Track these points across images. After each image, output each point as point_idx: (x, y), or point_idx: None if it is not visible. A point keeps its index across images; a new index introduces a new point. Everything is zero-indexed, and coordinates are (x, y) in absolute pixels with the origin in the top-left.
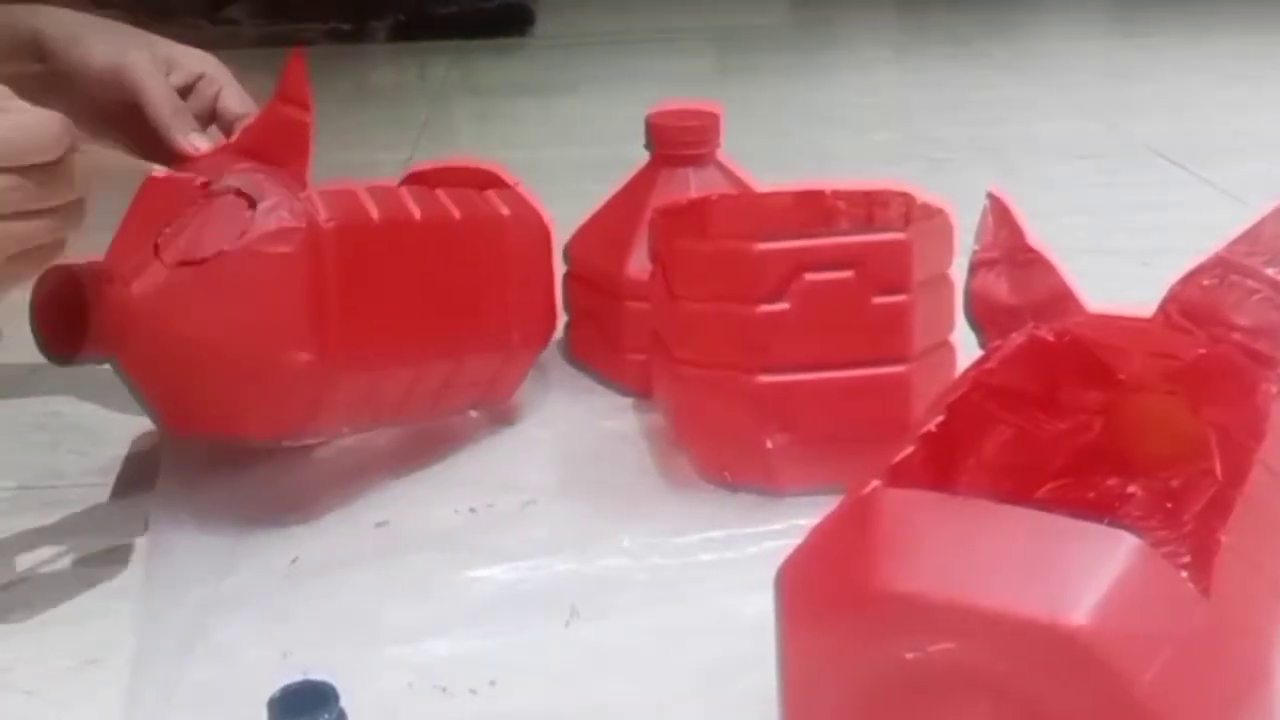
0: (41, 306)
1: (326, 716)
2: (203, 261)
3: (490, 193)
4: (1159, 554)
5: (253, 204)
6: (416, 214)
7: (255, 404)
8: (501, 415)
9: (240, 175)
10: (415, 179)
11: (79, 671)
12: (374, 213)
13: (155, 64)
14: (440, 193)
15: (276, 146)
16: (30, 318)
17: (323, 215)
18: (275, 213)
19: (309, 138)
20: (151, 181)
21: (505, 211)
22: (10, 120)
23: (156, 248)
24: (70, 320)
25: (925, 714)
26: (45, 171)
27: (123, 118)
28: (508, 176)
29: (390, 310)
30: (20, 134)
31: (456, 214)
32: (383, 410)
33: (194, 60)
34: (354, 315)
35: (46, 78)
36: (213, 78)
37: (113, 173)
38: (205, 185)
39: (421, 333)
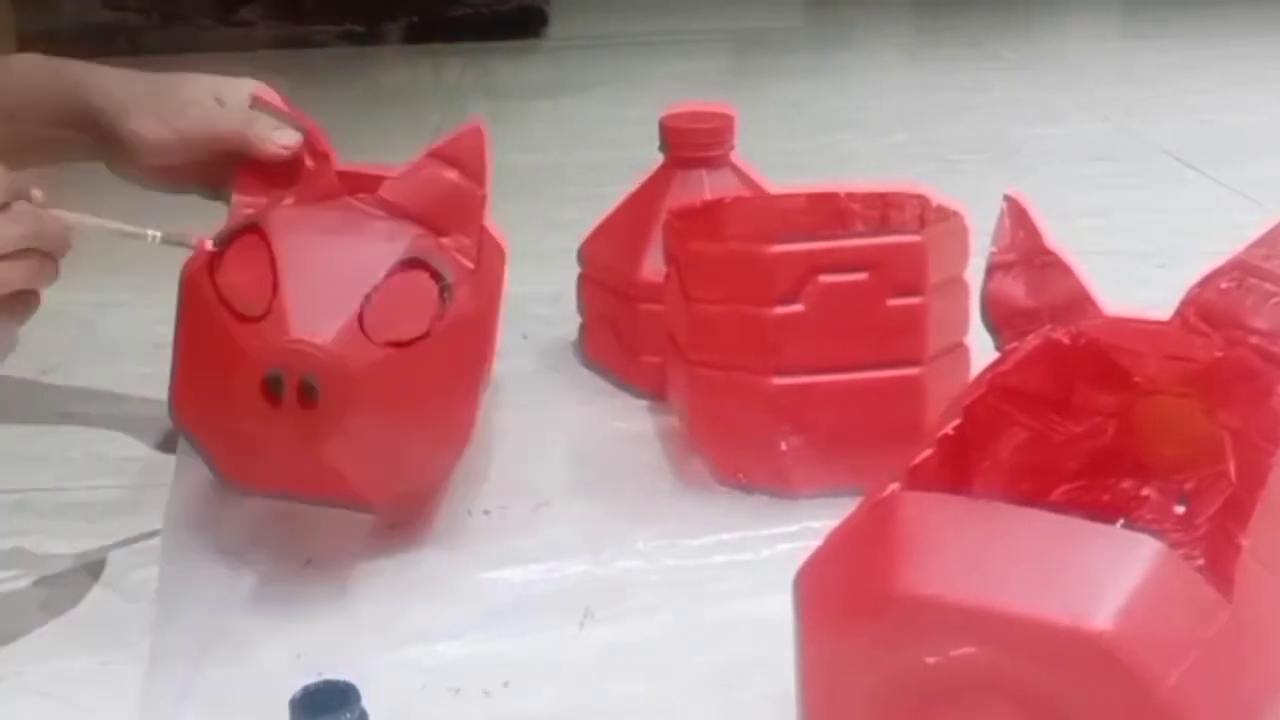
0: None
1: (348, 716)
2: (409, 344)
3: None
4: (1180, 557)
5: (436, 277)
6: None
7: (402, 484)
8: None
9: (424, 247)
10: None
11: (94, 673)
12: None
13: (208, 106)
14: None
15: (443, 215)
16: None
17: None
18: (462, 295)
19: (483, 212)
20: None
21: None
22: None
23: (361, 321)
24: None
25: (946, 719)
26: None
27: (186, 173)
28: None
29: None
30: None
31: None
32: None
33: (241, 88)
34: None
35: (99, 145)
36: (258, 95)
37: (90, 232)
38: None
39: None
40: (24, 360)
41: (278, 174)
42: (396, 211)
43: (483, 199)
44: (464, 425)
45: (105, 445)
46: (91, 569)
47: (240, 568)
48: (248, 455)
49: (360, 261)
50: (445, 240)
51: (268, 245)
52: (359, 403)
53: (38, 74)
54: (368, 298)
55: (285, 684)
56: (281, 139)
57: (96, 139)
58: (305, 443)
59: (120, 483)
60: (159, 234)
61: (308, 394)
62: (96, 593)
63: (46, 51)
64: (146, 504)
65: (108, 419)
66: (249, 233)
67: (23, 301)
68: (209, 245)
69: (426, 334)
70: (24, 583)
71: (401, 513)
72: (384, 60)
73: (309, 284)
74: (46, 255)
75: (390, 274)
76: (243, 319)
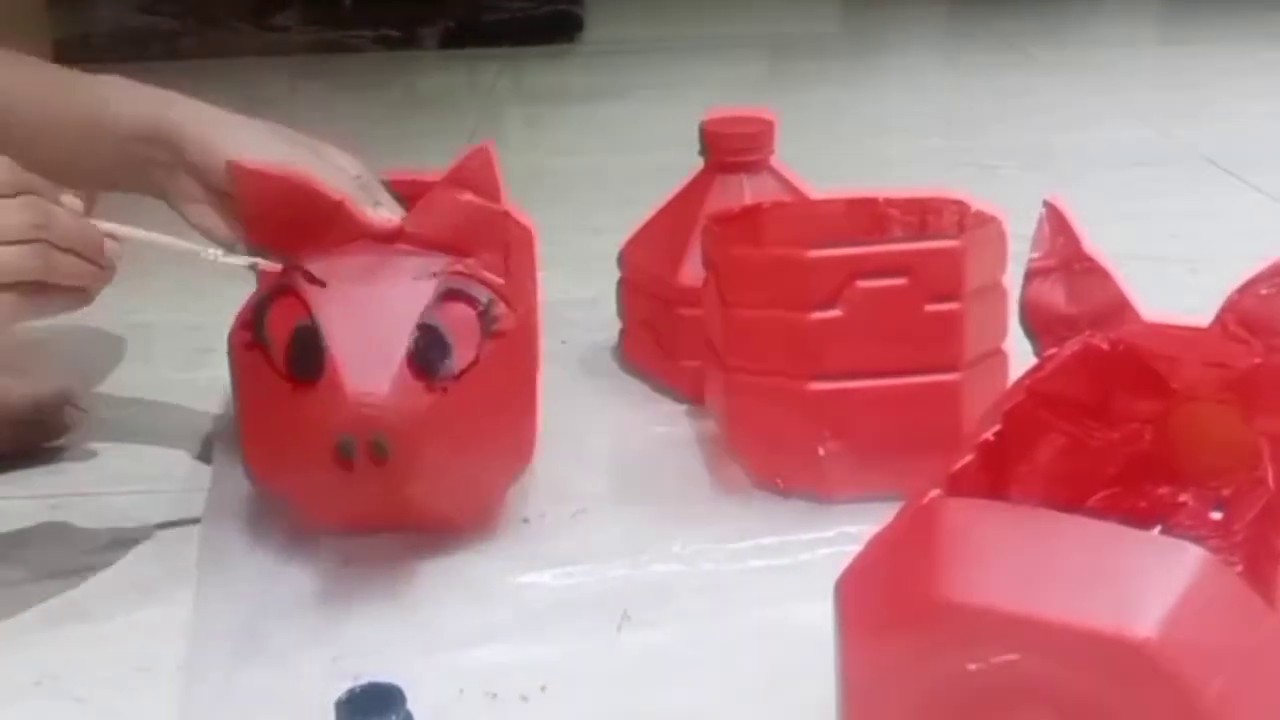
0: None
1: (394, 718)
2: (461, 374)
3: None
4: (1225, 565)
5: (473, 303)
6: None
7: (476, 505)
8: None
9: (455, 274)
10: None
11: (131, 678)
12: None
13: (311, 158)
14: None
15: (467, 237)
16: None
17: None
18: (503, 310)
19: (508, 229)
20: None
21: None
22: None
23: (411, 363)
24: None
25: None
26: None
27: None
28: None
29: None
30: None
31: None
32: None
33: (344, 159)
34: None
35: (180, 169)
36: (366, 181)
37: (140, 245)
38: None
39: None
40: (61, 364)
41: (293, 223)
42: (421, 244)
43: (503, 215)
44: (528, 431)
45: (142, 450)
46: (128, 574)
47: (277, 572)
48: (331, 507)
49: (397, 303)
50: (472, 261)
51: (304, 304)
52: (427, 446)
53: (126, 89)
54: (414, 340)
55: (322, 688)
56: (387, 214)
57: (175, 158)
58: (383, 496)
59: (157, 488)
60: (219, 252)
61: (378, 452)
62: (133, 597)
63: (81, 57)
64: (184, 509)
65: (145, 424)
66: (282, 295)
67: (38, 291)
68: (271, 266)
69: (475, 361)
70: (60, 588)
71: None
72: (420, 65)
73: (353, 337)
74: (63, 250)
75: (428, 310)
76: (298, 384)
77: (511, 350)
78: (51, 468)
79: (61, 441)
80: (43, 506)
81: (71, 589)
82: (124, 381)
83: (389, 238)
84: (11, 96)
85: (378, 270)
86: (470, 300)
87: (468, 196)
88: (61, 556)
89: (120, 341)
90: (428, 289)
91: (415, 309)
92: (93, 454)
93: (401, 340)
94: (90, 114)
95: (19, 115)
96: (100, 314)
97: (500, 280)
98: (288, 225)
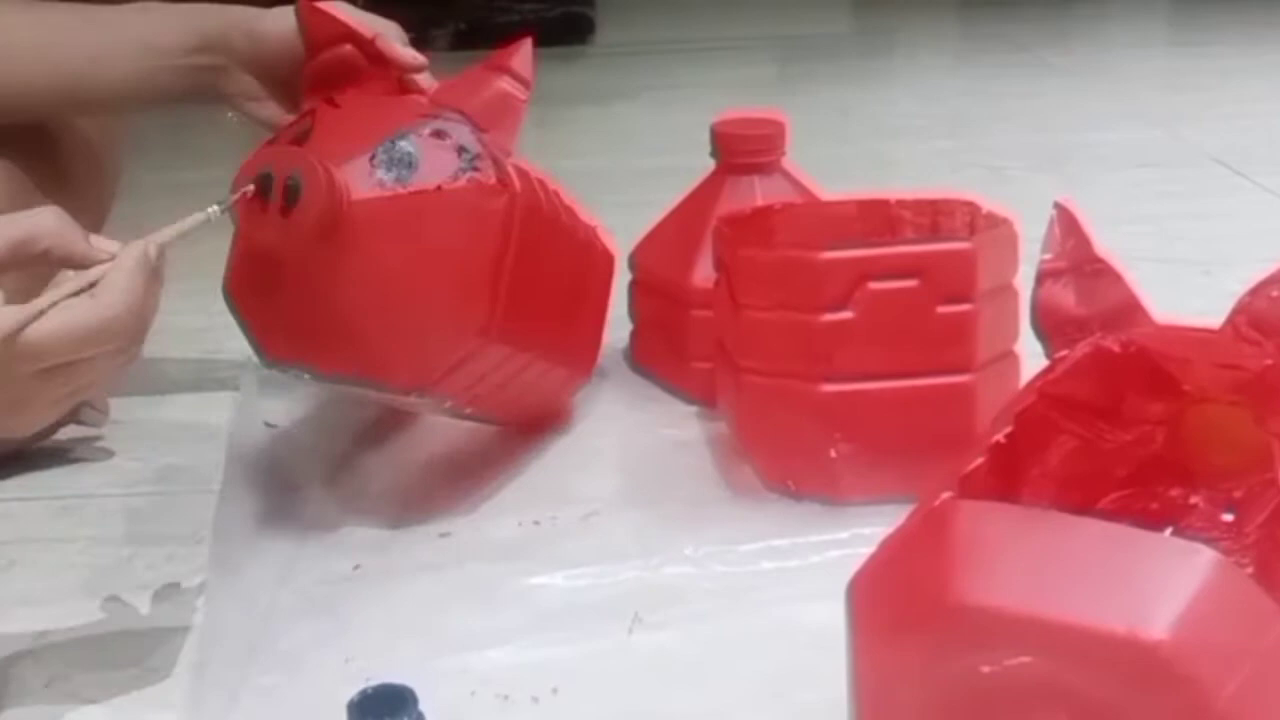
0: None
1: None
2: (420, 192)
3: (587, 224)
4: (1237, 567)
5: (449, 138)
6: (563, 217)
7: (411, 348)
8: (564, 425)
9: (455, 123)
10: None
11: (141, 680)
12: (544, 202)
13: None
14: (568, 207)
15: (486, 115)
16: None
17: (518, 187)
18: (488, 169)
19: (522, 116)
20: (366, 92)
21: (598, 245)
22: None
23: (373, 159)
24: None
25: None
26: None
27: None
28: (585, 215)
29: (531, 298)
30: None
31: (580, 233)
32: (479, 393)
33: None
34: (512, 292)
35: (223, 72)
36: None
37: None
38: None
39: (539, 327)
40: None
41: (341, 79)
42: (442, 105)
43: (524, 104)
44: (482, 313)
45: (152, 452)
46: (139, 576)
47: (289, 574)
48: (277, 315)
49: (389, 120)
50: (484, 137)
51: (312, 115)
52: (358, 241)
53: (165, 13)
54: (385, 145)
55: (334, 690)
56: (411, 51)
57: (229, 62)
58: (280, 239)
59: (168, 490)
60: (216, 207)
61: (290, 195)
62: (144, 599)
63: None
64: (194, 511)
65: (156, 427)
66: (303, 116)
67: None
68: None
69: (436, 188)
70: (71, 589)
71: (427, 405)
72: (432, 67)
73: (337, 132)
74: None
75: (413, 130)
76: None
77: (483, 209)
78: (63, 469)
79: (72, 443)
80: (54, 508)
81: (82, 590)
82: (133, 384)
83: (415, 69)
84: (62, 37)
85: (390, 100)
86: (458, 147)
87: (502, 81)
88: (72, 557)
89: None
90: (425, 119)
91: (402, 125)
92: (104, 456)
93: (375, 142)
94: (139, 40)
95: (69, 56)
96: None
97: (505, 156)
98: (337, 64)
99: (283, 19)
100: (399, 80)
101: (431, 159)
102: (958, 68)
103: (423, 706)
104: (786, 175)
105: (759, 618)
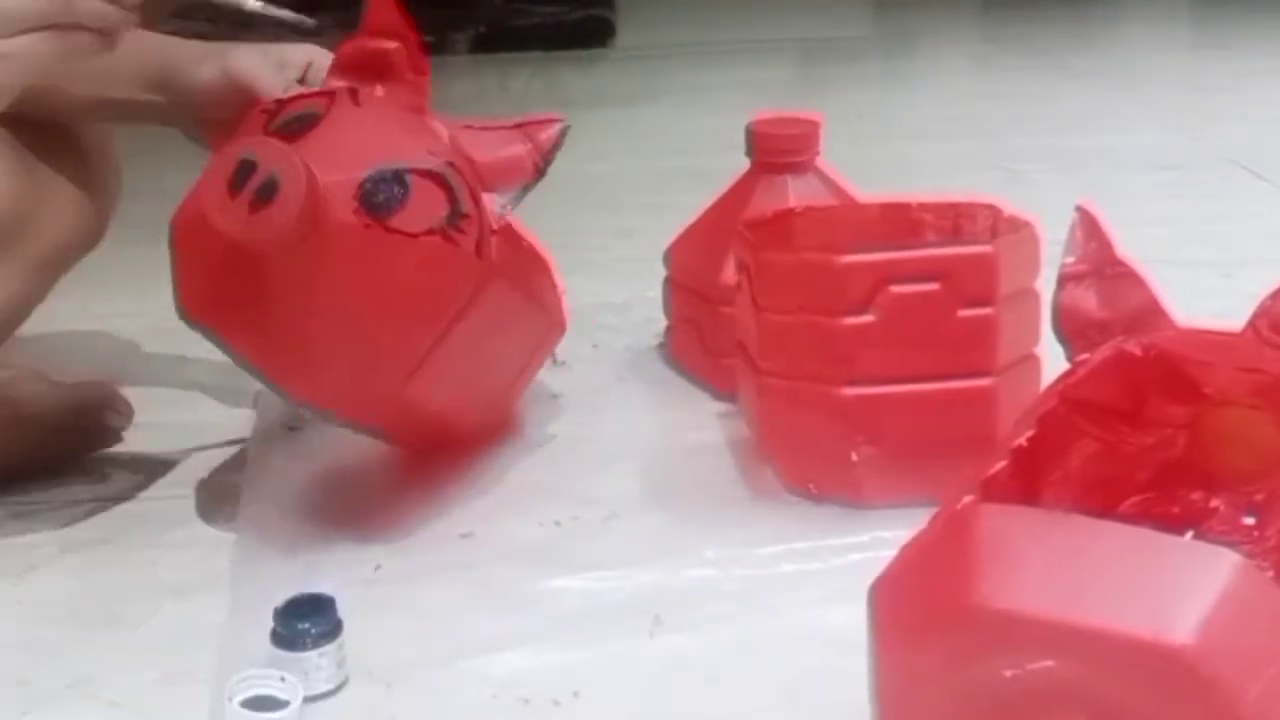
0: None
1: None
2: (396, 231)
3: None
4: (1260, 570)
5: (446, 189)
6: (533, 292)
7: (326, 370)
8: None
9: (456, 175)
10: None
11: (164, 683)
12: (517, 277)
13: (263, 61)
14: (542, 274)
15: (493, 171)
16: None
17: (494, 258)
18: (471, 233)
19: (525, 183)
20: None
21: (556, 318)
22: None
23: (364, 182)
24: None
25: None
26: None
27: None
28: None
29: (467, 364)
30: None
31: (544, 308)
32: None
33: (300, 53)
34: (449, 355)
35: (169, 108)
36: (320, 64)
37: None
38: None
39: (461, 393)
40: (97, 369)
41: (375, 73)
42: (461, 152)
43: (533, 177)
44: (409, 368)
45: (176, 456)
46: (162, 579)
47: (310, 576)
48: (210, 279)
49: (397, 144)
50: (482, 199)
51: (329, 98)
52: (320, 255)
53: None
54: (381, 170)
55: (358, 694)
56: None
57: (171, 101)
58: (247, 235)
59: (191, 492)
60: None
61: (264, 191)
62: (167, 603)
63: None
64: (217, 514)
65: (178, 430)
66: (323, 95)
67: (60, 34)
68: (302, 21)
69: (414, 236)
70: (95, 592)
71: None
72: (451, 70)
73: (344, 135)
74: (83, 29)
75: (414, 165)
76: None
77: (456, 271)
78: (87, 473)
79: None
80: (79, 512)
81: (105, 593)
82: (156, 387)
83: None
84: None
85: (403, 121)
86: (451, 197)
87: (522, 147)
88: (96, 561)
89: (151, 346)
90: (426, 158)
91: (401, 159)
92: (127, 459)
93: (366, 169)
94: (102, 65)
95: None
96: (130, 319)
97: (495, 223)
98: (380, 56)
99: (214, 68)
100: (426, 98)
101: (420, 201)
102: (978, 70)
103: (444, 709)
104: (820, 175)
105: (780, 620)
